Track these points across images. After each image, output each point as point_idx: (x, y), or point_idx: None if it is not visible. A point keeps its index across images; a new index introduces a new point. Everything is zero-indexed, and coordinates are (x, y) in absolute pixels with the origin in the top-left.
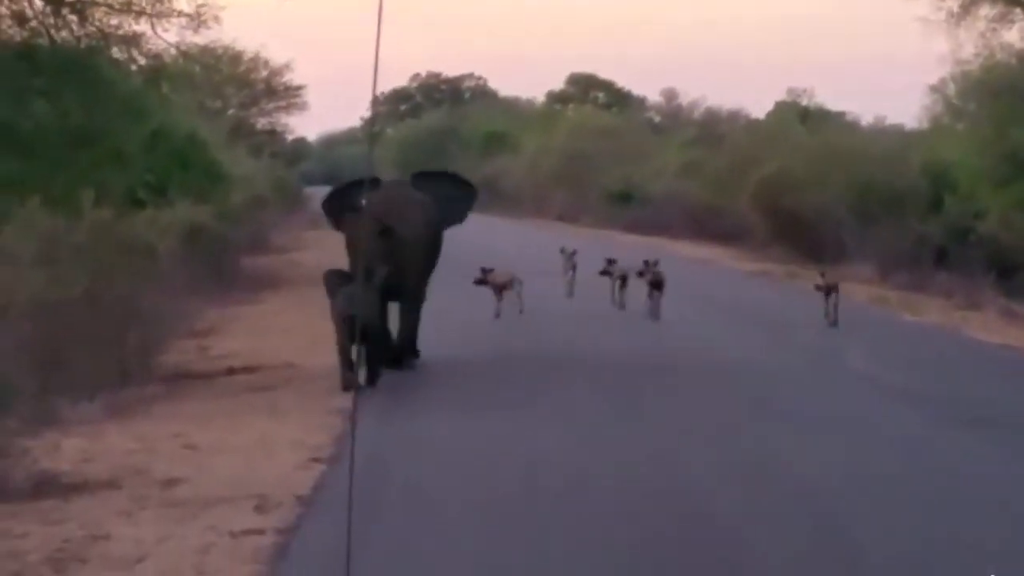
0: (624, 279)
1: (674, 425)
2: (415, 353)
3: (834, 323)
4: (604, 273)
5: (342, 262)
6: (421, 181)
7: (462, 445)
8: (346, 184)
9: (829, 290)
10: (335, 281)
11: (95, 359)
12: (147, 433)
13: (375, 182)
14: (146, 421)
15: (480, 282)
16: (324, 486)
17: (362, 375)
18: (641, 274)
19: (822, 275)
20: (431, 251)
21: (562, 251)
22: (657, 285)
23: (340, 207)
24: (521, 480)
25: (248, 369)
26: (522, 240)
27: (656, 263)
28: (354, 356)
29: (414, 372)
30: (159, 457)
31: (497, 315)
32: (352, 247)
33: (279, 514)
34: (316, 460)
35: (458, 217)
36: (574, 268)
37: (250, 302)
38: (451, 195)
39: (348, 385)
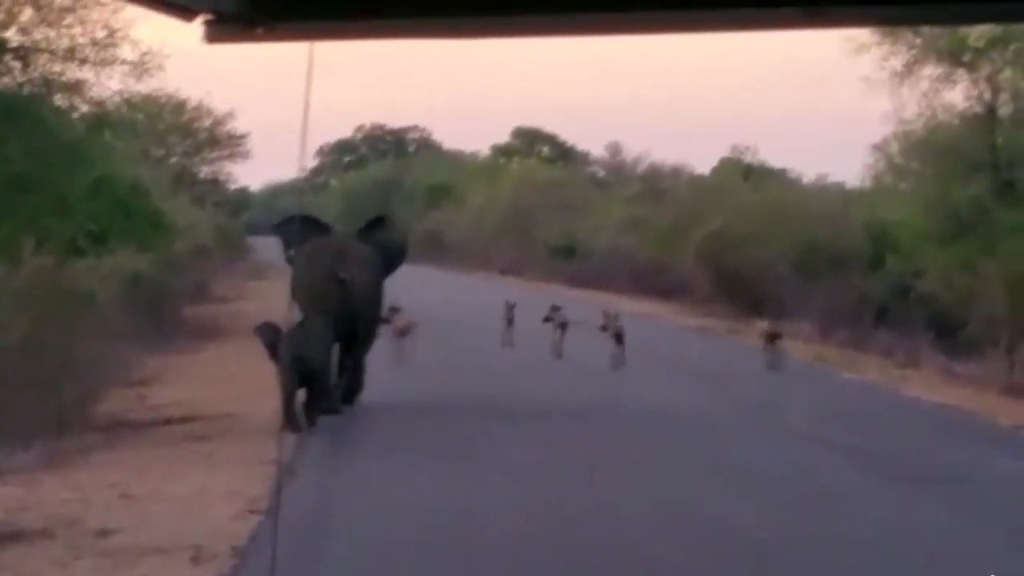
0: (564, 326)
1: (613, 477)
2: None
3: (774, 367)
4: (547, 320)
5: (284, 309)
6: (364, 233)
7: (399, 496)
8: (303, 217)
9: (772, 337)
10: (271, 335)
11: (31, 407)
12: (83, 482)
13: (326, 228)
14: (83, 470)
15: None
16: (259, 537)
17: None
18: (604, 328)
19: (766, 324)
20: (379, 300)
21: (507, 303)
22: (619, 338)
23: (296, 240)
24: (458, 532)
25: (187, 419)
26: (464, 294)
27: (616, 316)
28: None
29: (353, 419)
30: (95, 507)
31: (398, 360)
32: (302, 291)
33: (214, 565)
34: (252, 511)
35: (396, 267)
36: (511, 321)
37: (191, 351)
38: (389, 245)
39: (290, 427)
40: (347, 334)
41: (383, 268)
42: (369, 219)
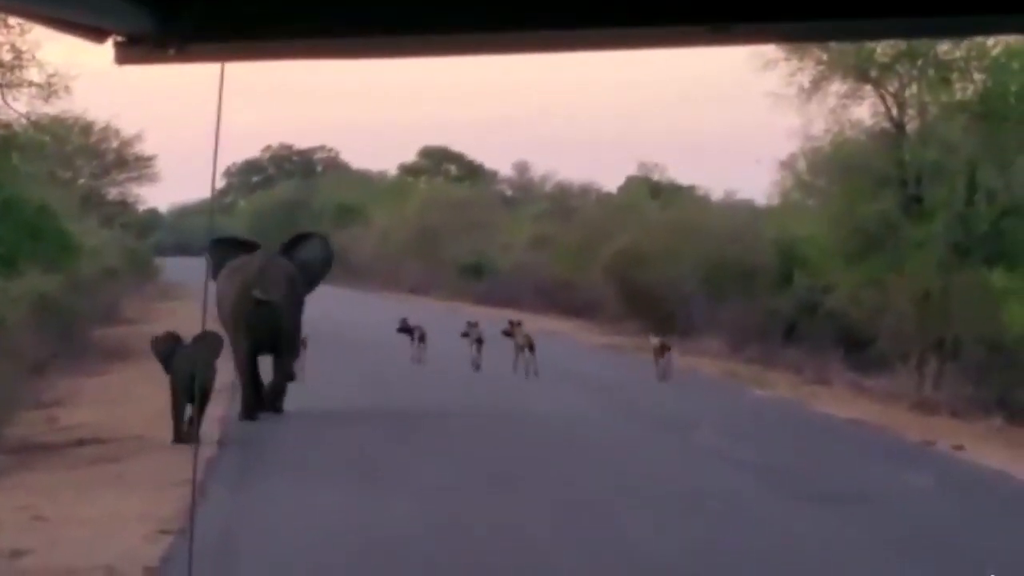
0: (480, 342)
1: (523, 497)
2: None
3: (664, 377)
4: (465, 335)
5: (195, 331)
6: (288, 250)
7: (312, 520)
8: (229, 238)
9: (663, 349)
10: (167, 346)
11: None
12: None
13: (253, 246)
14: None
15: None
16: (172, 558)
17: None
18: (507, 333)
19: (657, 338)
20: (299, 315)
21: (469, 324)
22: (530, 346)
23: (223, 260)
24: (365, 550)
25: (97, 440)
26: (370, 313)
27: (519, 323)
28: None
29: (262, 435)
30: (6, 529)
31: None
32: (223, 309)
33: None
34: (164, 532)
35: (318, 281)
36: (479, 341)
37: (100, 373)
38: (312, 261)
39: (179, 439)
40: (269, 349)
41: (305, 283)
42: (295, 235)
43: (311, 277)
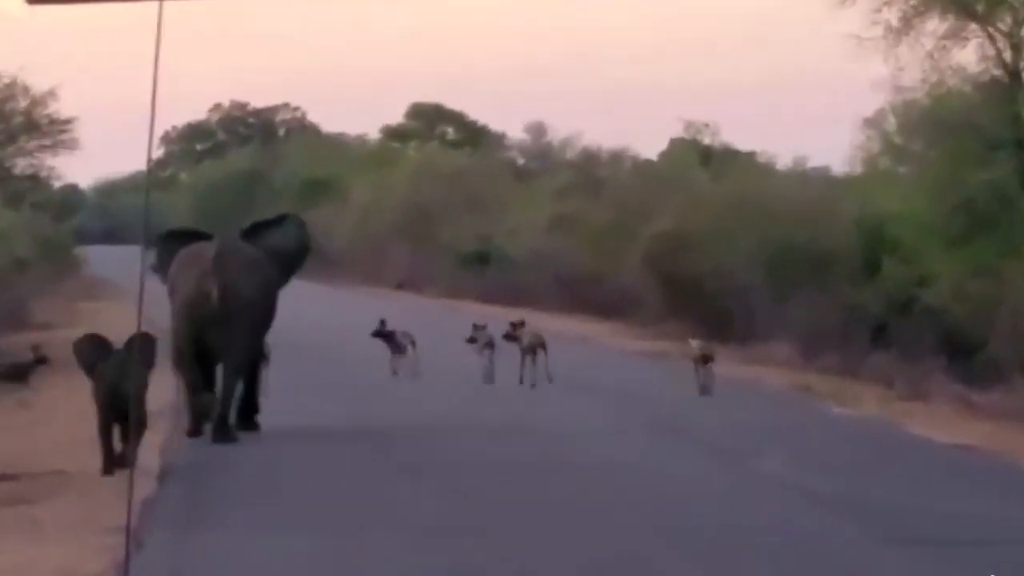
0: (491, 347)
1: (540, 544)
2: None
3: (708, 392)
4: (472, 340)
5: (123, 339)
6: (253, 234)
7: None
8: (182, 231)
9: (705, 359)
10: (93, 351)
11: None
12: None
13: (206, 236)
14: None
15: None
16: None
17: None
18: (510, 337)
19: (698, 343)
20: (266, 313)
21: (475, 327)
22: (542, 347)
23: (171, 256)
24: None
25: (5, 477)
26: (347, 314)
27: (522, 323)
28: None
29: (220, 467)
30: None
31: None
32: (177, 305)
33: None
34: None
35: (292, 272)
36: (490, 346)
37: (6, 391)
38: (284, 247)
39: (108, 470)
40: (221, 351)
41: (276, 274)
42: (266, 219)
43: (284, 267)
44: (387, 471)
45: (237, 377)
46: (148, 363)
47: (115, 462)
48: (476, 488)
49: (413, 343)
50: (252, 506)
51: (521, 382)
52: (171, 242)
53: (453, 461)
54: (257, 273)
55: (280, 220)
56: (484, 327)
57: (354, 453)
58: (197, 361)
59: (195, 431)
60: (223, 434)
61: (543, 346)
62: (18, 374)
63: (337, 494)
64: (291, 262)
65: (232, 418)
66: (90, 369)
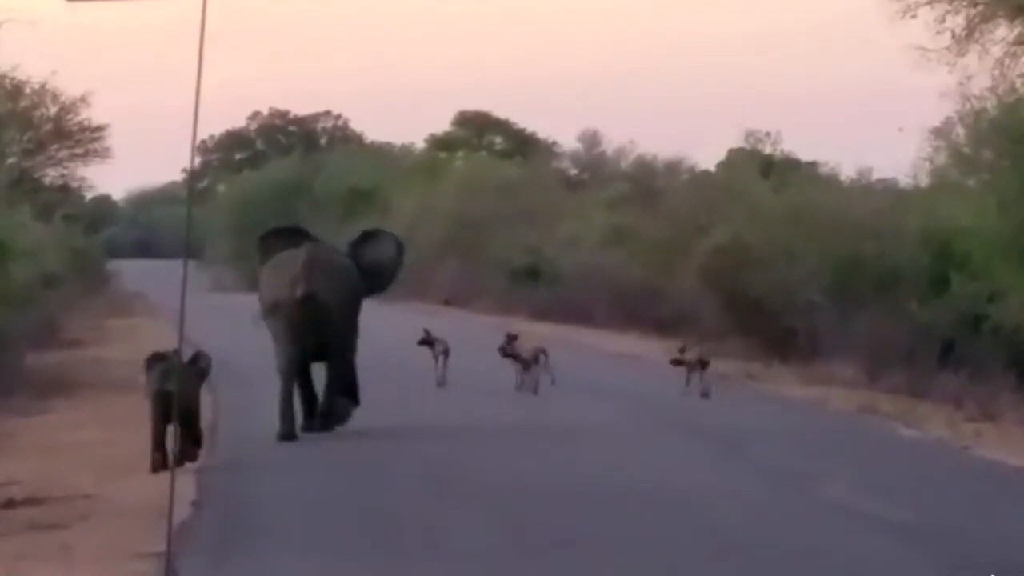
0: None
1: (603, 568)
2: (341, 414)
3: (708, 395)
4: (507, 355)
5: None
6: (355, 244)
7: None
8: (286, 228)
9: (703, 364)
10: (152, 359)
11: None
12: None
13: (303, 234)
14: None
15: None
16: None
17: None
18: (508, 353)
19: (681, 350)
20: (352, 317)
21: (508, 336)
22: (544, 353)
23: (269, 252)
24: None
25: (33, 501)
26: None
27: (516, 336)
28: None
29: (254, 488)
30: None
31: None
32: (268, 305)
33: None
34: None
35: (384, 284)
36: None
37: (35, 412)
38: (378, 258)
39: (157, 467)
40: (316, 357)
41: (368, 283)
42: (361, 233)
43: (376, 277)
44: (433, 491)
45: (334, 372)
46: (201, 375)
47: (160, 464)
48: (526, 511)
49: (446, 352)
50: (290, 530)
51: (518, 389)
52: (271, 241)
53: (501, 483)
54: (343, 277)
55: (380, 235)
56: (516, 337)
57: (399, 470)
58: (295, 362)
59: (287, 435)
60: (327, 424)
61: (544, 352)
62: None
63: (381, 515)
64: (384, 274)
65: (300, 417)
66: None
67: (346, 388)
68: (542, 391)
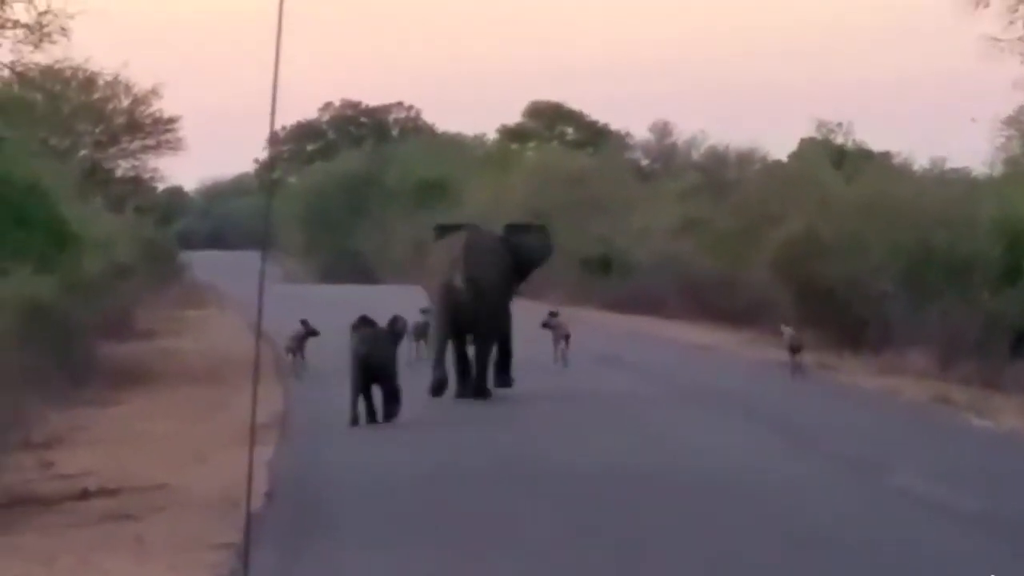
0: (567, 337)
1: (674, 558)
2: (504, 381)
3: (800, 373)
4: (545, 326)
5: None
6: (509, 232)
7: None
8: (451, 224)
9: (796, 349)
10: (356, 324)
11: None
12: None
13: (463, 227)
14: None
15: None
16: None
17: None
18: (546, 325)
19: (787, 329)
20: (504, 299)
21: (550, 313)
22: (567, 336)
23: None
24: None
25: (107, 491)
26: None
27: (557, 314)
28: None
29: (330, 479)
30: None
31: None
32: (436, 288)
33: None
34: None
35: (532, 270)
36: (566, 338)
37: (109, 403)
38: (529, 247)
39: (354, 421)
40: (471, 328)
41: (519, 269)
42: (509, 224)
43: (525, 264)
44: (504, 482)
45: (487, 347)
46: (397, 338)
47: (357, 419)
48: (596, 497)
49: (567, 337)
50: (364, 521)
51: (555, 362)
52: (443, 232)
53: (571, 471)
54: (497, 261)
55: (532, 227)
56: (557, 315)
57: (471, 461)
58: (454, 335)
59: (436, 391)
60: (480, 392)
61: (567, 337)
62: None
63: (451, 507)
64: (533, 261)
65: (489, 381)
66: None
67: (501, 365)
68: (621, 384)
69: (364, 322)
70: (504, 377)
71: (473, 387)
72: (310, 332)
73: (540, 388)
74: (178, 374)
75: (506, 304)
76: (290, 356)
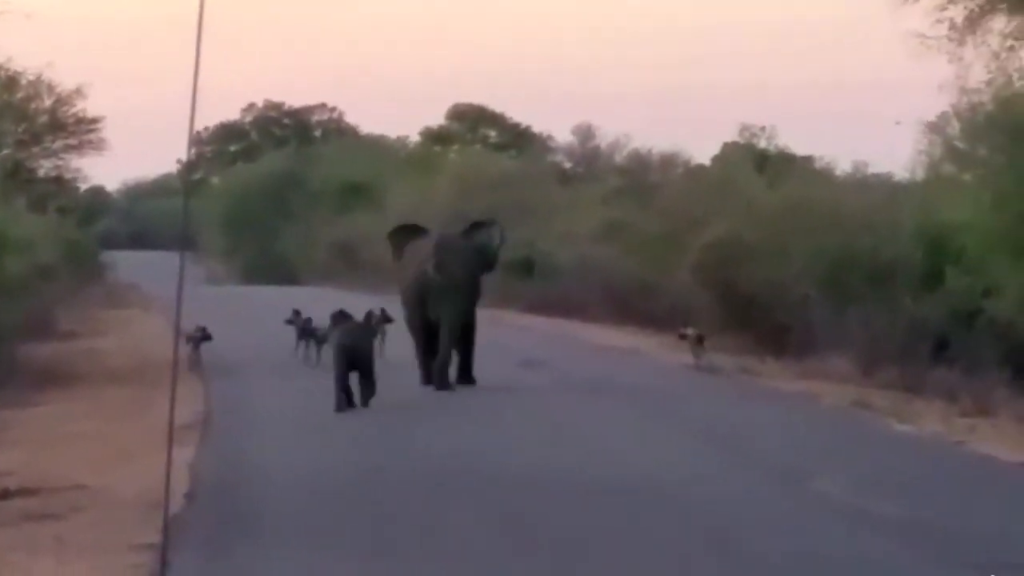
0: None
1: (592, 567)
2: (467, 379)
3: (706, 368)
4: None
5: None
6: (466, 232)
7: None
8: (408, 225)
9: (700, 339)
10: (336, 317)
11: None
12: None
13: (422, 231)
14: None
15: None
16: None
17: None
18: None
19: (690, 330)
20: (473, 290)
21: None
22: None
23: (403, 243)
24: None
25: (27, 492)
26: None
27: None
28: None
29: (252, 482)
30: None
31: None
32: (410, 282)
33: None
34: None
35: (493, 266)
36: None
37: (28, 403)
38: (487, 245)
39: (341, 407)
40: (443, 318)
41: (481, 266)
42: (473, 221)
43: (490, 259)
44: (431, 485)
45: (452, 338)
46: (374, 331)
47: (343, 405)
48: (523, 502)
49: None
50: (286, 523)
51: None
52: (400, 234)
53: (496, 474)
54: (467, 257)
55: (489, 223)
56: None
57: (397, 465)
58: (424, 327)
59: (426, 381)
60: (442, 383)
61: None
62: None
63: (378, 510)
64: (492, 258)
65: (452, 374)
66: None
67: (463, 364)
68: (544, 387)
69: (342, 316)
70: (467, 375)
71: (437, 377)
72: (205, 337)
73: (466, 390)
74: (101, 374)
75: (475, 299)
76: (189, 347)
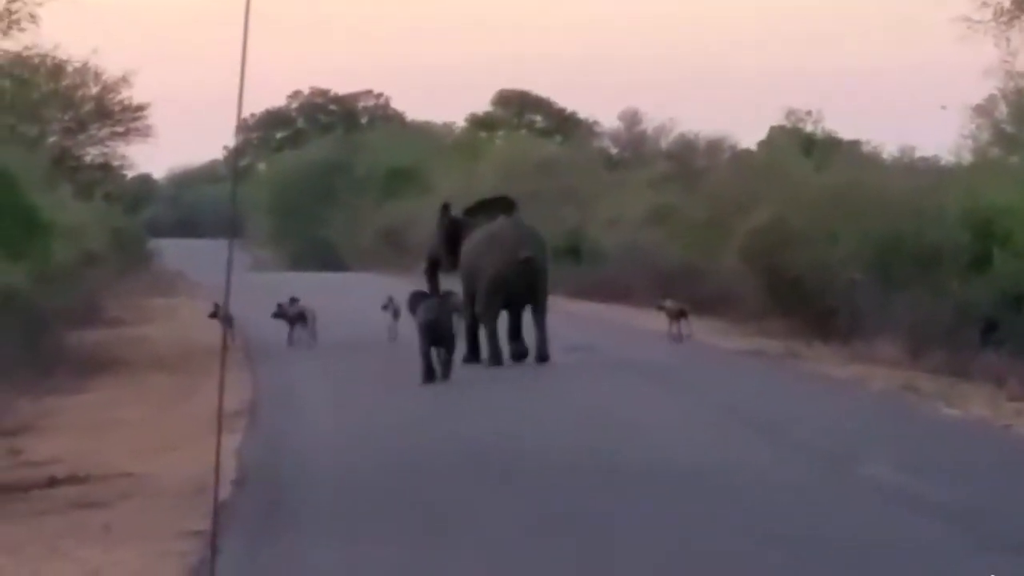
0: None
1: (635, 551)
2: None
3: (679, 339)
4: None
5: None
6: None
7: None
8: (486, 200)
9: (680, 313)
10: (416, 299)
11: None
12: None
13: (510, 206)
14: None
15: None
16: None
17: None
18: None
19: (669, 301)
20: (548, 273)
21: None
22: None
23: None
24: None
25: (74, 479)
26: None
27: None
28: (435, 357)
29: (301, 469)
30: None
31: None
32: (484, 269)
33: None
34: None
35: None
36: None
37: (77, 391)
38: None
39: (428, 379)
40: (525, 303)
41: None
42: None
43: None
44: (472, 474)
45: (545, 315)
46: (455, 307)
47: (432, 376)
48: (566, 489)
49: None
50: (332, 509)
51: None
52: (481, 210)
53: (542, 462)
54: (542, 242)
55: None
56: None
57: (441, 453)
58: (508, 310)
59: (497, 362)
60: (543, 357)
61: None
62: None
63: (427, 495)
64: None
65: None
66: (413, 310)
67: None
68: (590, 372)
69: (422, 295)
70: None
71: (538, 354)
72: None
73: (510, 376)
74: (147, 362)
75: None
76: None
